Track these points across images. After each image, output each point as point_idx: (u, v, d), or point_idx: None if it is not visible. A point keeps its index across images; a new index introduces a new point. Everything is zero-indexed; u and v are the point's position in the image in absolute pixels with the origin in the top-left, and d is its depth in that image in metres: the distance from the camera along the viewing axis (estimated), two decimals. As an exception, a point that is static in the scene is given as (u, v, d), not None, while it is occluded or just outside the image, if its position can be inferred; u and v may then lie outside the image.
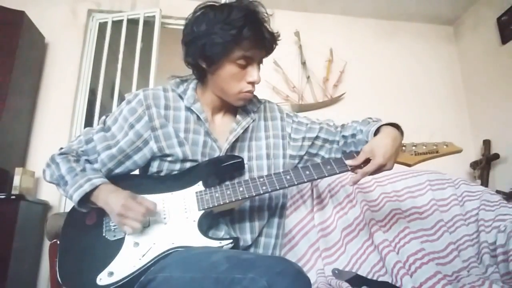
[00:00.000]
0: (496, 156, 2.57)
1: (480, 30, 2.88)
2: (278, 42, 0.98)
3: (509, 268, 1.12)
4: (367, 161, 0.92)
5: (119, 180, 0.95)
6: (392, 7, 2.97)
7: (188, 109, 1.00)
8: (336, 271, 1.20)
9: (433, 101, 2.98)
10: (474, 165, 2.71)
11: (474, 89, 2.95)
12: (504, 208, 1.32)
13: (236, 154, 1.01)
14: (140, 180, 1.02)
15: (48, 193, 2.28)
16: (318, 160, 1.11)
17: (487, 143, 2.68)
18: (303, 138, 1.09)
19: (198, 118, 0.99)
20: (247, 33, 0.89)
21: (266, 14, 0.94)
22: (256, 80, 0.95)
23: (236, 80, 0.94)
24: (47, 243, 2.06)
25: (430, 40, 3.14)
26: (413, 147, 1.02)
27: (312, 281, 1.18)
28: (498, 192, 2.03)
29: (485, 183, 2.52)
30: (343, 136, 1.07)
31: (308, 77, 2.84)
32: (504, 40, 2.62)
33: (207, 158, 0.98)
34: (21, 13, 2.25)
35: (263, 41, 0.93)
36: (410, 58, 3.05)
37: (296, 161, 1.10)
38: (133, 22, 2.68)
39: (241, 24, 0.88)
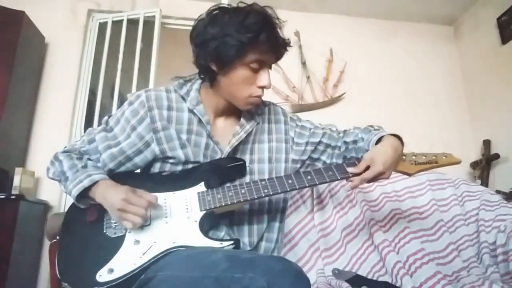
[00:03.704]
0: (496, 156, 2.57)
1: (480, 30, 2.88)
2: (288, 48, 0.97)
3: (509, 268, 1.12)
4: (368, 169, 0.93)
5: (120, 178, 0.95)
6: (392, 7, 2.98)
7: (191, 111, 0.99)
8: (336, 271, 1.20)
9: (433, 101, 2.98)
10: (474, 165, 2.71)
11: (474, 89, 2.95)
12: (504, 208, 1.32)
13: (238, 156, 1.02)
14: (142, 179, 1.02)
15: (48, 193, 2.28)
16: (319, 164, 1.11)
17: (487, 143, 2.68)
18: (306, 143, 1.09)
19: (200, 120, 0.99)
20: (264, 37, 0.88)
21: (279, 20, 0.94)
22: (267, 85, 0.94)
23: (247, 84, 0.93)
24: (47, 243, 2.06)
25: (430, 40, 3.14)
26: (413, 157, 1.04)
27: (312, 281, 1.18)
28: (498, 192, 2.03)
29: (485, 183, 2.53)
30: (345, 142, 1.08)
31: (308, 77, 2.84)
32: (504, 40, 2.62)
33: (209, 160, 0.98)
34: (21, 13, 2.25)
35: (278, 47, 0.93)
36: (410, 58, 3.05)
37: (298, 165, 1.10)
38: (133, 22, 2.67)
39: (258, 28, 0.88)
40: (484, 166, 2.60)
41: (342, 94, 2.84)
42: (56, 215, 1.11)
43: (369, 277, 1.20)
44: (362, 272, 1.21)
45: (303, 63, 2.86)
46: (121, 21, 2.66)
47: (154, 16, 2.65)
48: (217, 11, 0.93)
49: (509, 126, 2.55)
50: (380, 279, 1.18)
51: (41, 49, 2.53)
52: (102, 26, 2.72)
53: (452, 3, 2.94)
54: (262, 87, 0.95)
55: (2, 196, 1.92)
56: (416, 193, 1.47)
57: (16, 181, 2.06)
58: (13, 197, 1.96)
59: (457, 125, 2.93)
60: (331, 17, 3.06)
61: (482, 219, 1.33)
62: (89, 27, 2.73)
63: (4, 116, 2.07)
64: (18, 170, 2.08)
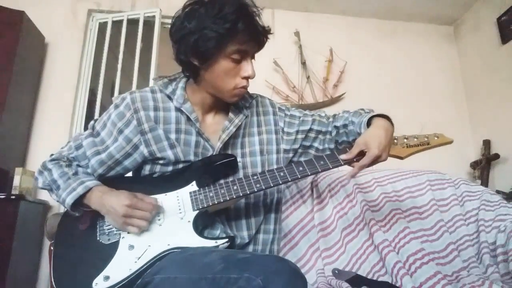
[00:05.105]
0: (496, 156, 2.57)
1: (480, 30, 2.89)
2: (269, 36, 0.96)
3: (509, 268, 1.12)
4: (360, 153, 0.92)
5: (112, 183, 0.94)
6: (392, 7, 2.98)
7: (178, 109, 0.98)
8: (336, 271, 1.20)
9: (433, 101, 2.98)
10: (474, 165, 2.72)
11: (474, 89, 2.96)
12: (504, 208, 1.32)
13: (230, 151, 1.01)
14: (133, 182, 1.02)
15: (48, 193, 2.27)
16: (312, 151, 1.11)
17: (487, 143, 2.68)
18: (297, 132, 1.09)
19: (189, 118, 0.98)
20: (242, 26, 0.87)
21: (256, 8, 0.92)
22: (251, 75, 0.93)
23: (230, 75, 0.92)
24: (47, 243, 2.06)
25: (430, 40, 3.14)
26: (405, 140, 1.03)
27: (312, 281, 1.18)
28: (498, 192, 2.03)
29: (485, 183, 2.52)
30: (335, 127, 1.07)
31: (308, 77, 2.84)
32: (504, 40, 2.62)
33: (200, 158, 0.97)
34: (21, 13, 2.25)
35: (257, 34, 0.92)
36: (410, 58, 3.05)
37: (290, 154, 1.10)
38: (133, 22, 2.68)
39: (234, 18, 0.86)
40: (484, 166, 2.60)
41: (342, 94, 2.84)
42: (56, 215, 1.11)
43: (369, 277, 1.20)
44: (362, 272, 1.21)
45: (303, 63, 2.86)
46: (121, 21, 2.66)
47: (154, 16, 2.66)
48: (192, 6, 0.91)
49: (509, 126, 2.55)
50: (380, 279, 1.18)
51: (41, 49, 2.53)
52: (102, 26, 2.72)
53: (452, 3, 2.94)
54: (246, 78, 0.94)
55: (2, 196, 1.92)
56: (416, 193, 1.47)
57: (16, 181, 2.05)
58: (13, 197, 1.96)
59: (457, 125, 2.93)
60: (331, 17, 3.06)
61: (482, 219, 1.33)
62: (89, 27, 2.73)
63: (4, 116, 2.07)
64: (18, 170, 2.08)
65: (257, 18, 0.92)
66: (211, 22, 0.86)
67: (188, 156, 0.96)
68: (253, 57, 0.96)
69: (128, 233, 0.88)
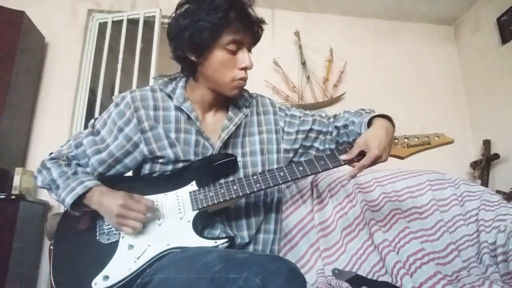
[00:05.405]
0: (496, 156, 2.57)
1: (480, 30, 2.89)
2: (263, 27, 0.96)
3: (509, 268, 1.12)
4: (361, 153, 0.91)
5: (111, 182, 0.94)
6: (392, 7, 2.98)
7: (178, 108, 0.98)
8: (336, 271, 1.20)
9: (433, 101, 2.98)
10: (474, 165, 2.72)
11: (474, 89, 2.96)
12: (504, 208, 1.32)
13: (230, 150, 1.01)
14: (133, 181, 1.02)
15: (48, 193, 2.27)
16: (312, 152, 1.11)
17: (487, 143, 2.68)
18: (297, 132, 1.09)
19: (189, 117, 0.98)
20: (234, 15, 0.88)
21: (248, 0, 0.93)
22: (249, 65, 0.93)
23: (228, 67, 0.93)
24: (47, 243, 2.06)
25: (430, 40, 3.14)
26: (405, 140, 1.02)
27: (312, 281, 1.18)
28: (498, 192, 2.03)
29: (485, 183, 2.53)
30: (336, 127, 1.07)
31: (308, 77, 2.84)
32: (504, 40, 2.62)
33: (200, 158, 0.97)
34: (21, 13, 2.25)
35: (250, 23, 0.92)
36: (410, 58, 3.05)
37: (291, 154, 1.09)
38: (133, 22, 2.68)
39: (226, 7, 0.87)
40: (484, 166, 2.60)
41: (342, 94, 2.84)
42: (56, 215, 1.11)
43: (369, 277, 1.20)
44: (362, 272, 1.21)
45: (303, 63, 2.86)
46: (121, 21, 2.67)
47: (154, 16, 2.65)
48: (185, 5, 0.93)
49: (509, 126, 2.55)
50: (380, 279, 1.18)
51: (41, 49, 2.53)
52: (102, 26, 2.72)
53: (452, 3, 2.94)
54: (244, 68, 0.94)
55: (2, 196, 1.92)
56: (416, 193, 1.47)
57: (16, 181, 2.05)
58: (13, 197, 1.96)
59: (457, 125, 2.93)
60: (331, 17, 3.06)
61: (482, 219, 1.33)
62: (89, 27, 2.73)
63: (4, 116, 2.07)
64: (18, 170, 2.08)
65: (250, 9, 0.92)
66: (204, 14, 0.88)
67: (188, 155, 0.96)
68: (249, 50, 0.96)
69: (126, 234, 0.88)
